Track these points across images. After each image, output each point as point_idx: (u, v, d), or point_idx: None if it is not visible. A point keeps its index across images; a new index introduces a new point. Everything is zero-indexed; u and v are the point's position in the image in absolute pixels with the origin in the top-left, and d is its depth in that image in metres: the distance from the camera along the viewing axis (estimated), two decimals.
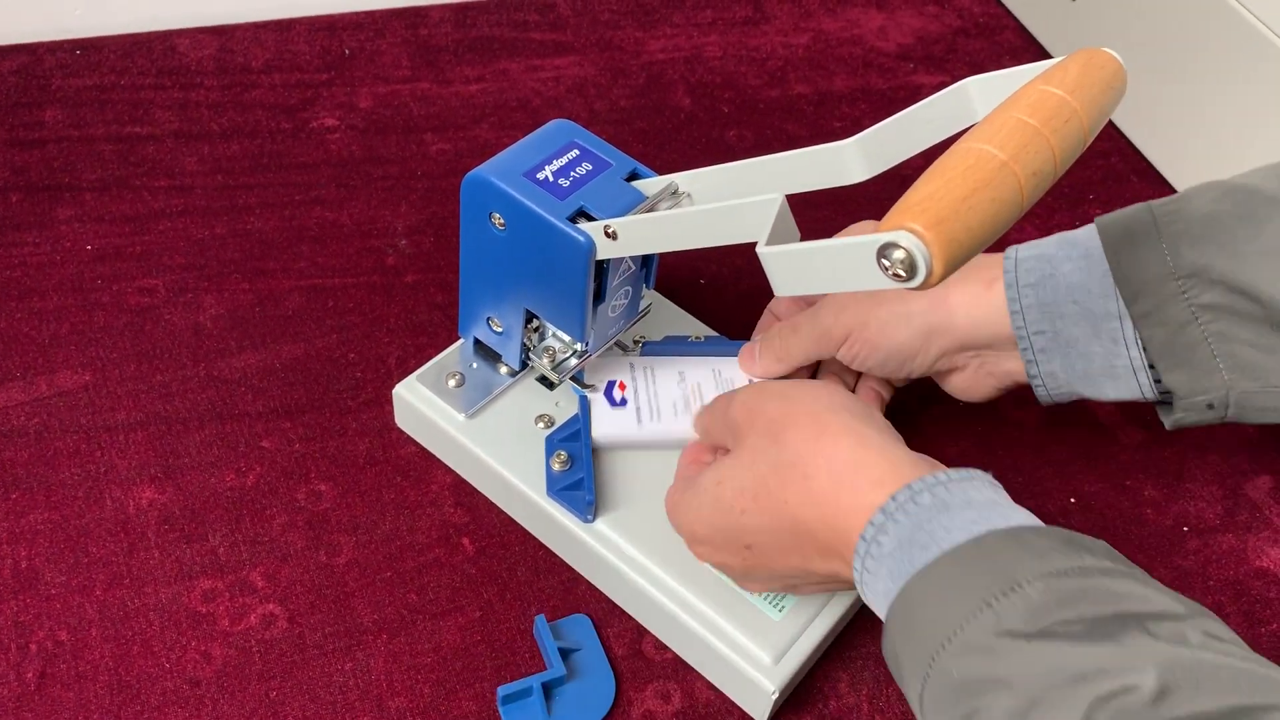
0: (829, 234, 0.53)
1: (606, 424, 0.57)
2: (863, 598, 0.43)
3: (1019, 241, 0.76)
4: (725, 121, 0.83)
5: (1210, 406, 0.51)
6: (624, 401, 0.58)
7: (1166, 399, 0.53)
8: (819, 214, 0.76)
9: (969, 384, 0.58)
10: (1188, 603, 0.36)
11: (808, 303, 0.60)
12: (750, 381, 0.59)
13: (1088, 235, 0.54)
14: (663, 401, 0.58)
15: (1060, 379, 0.55)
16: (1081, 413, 0.68)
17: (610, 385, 0.59)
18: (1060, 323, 0.53)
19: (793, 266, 0.42)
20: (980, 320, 0.54)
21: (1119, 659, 0.33)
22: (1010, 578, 0.36)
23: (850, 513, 0.43)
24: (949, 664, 0.36)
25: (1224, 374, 0.50)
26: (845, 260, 0.39)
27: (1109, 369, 0.53)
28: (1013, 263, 0.54)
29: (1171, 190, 0.82)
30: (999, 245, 0.74)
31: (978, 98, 0.45)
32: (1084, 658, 0.33)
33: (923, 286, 0.37)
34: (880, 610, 0.41)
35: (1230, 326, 0.50)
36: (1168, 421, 0.53)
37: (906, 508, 0.41)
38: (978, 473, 0.42)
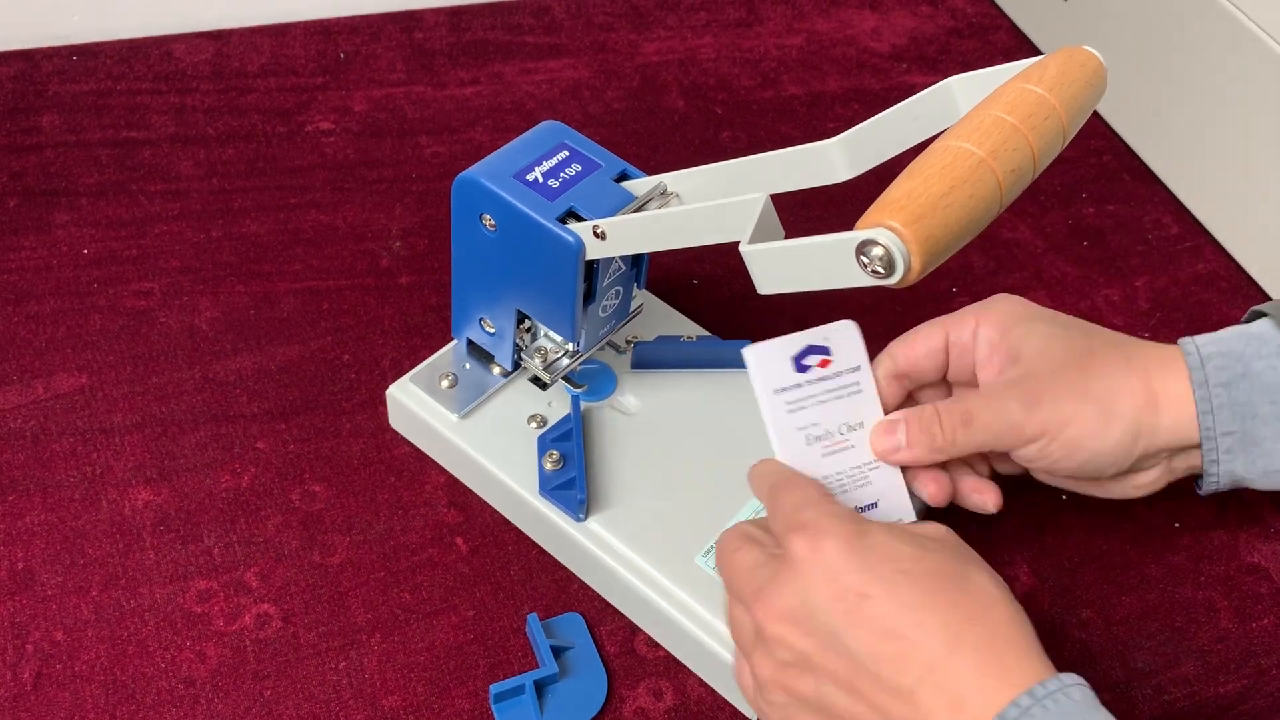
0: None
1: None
2: None
3: (1009, 238, 0.77)
4: (719, 123, 0.84)
5: None
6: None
7: None
8: (812, 213, 0.76)
9: (1148, 484, 0.52)
10: None
11: (949, 367, 0.52)
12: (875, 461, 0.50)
13: (1275, 332, 0.51)
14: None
15: (1237, 475, 0.52)
16: None
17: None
18: (1251, 423, 0.50)
19: (774, 264, 0.42)
20: (1181, 419, 0.50)
21: None
22: None
23: (981, 664, 0.40)
24: None
25: None
26: (824, 258, 0.39)
27: None
28: (1197, 359, 0.50)
29: (1164, 189, 0.83)
30: (981, 244, 0.74)
31: (961, 96, 0.45)
32: None
33: (901, 283, 0.37)
34: None
35: None
36: None
37: (1056, 697, 0.39)
38: None
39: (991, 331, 0.51)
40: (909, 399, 0.53)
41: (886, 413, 0.50)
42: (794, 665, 0.43)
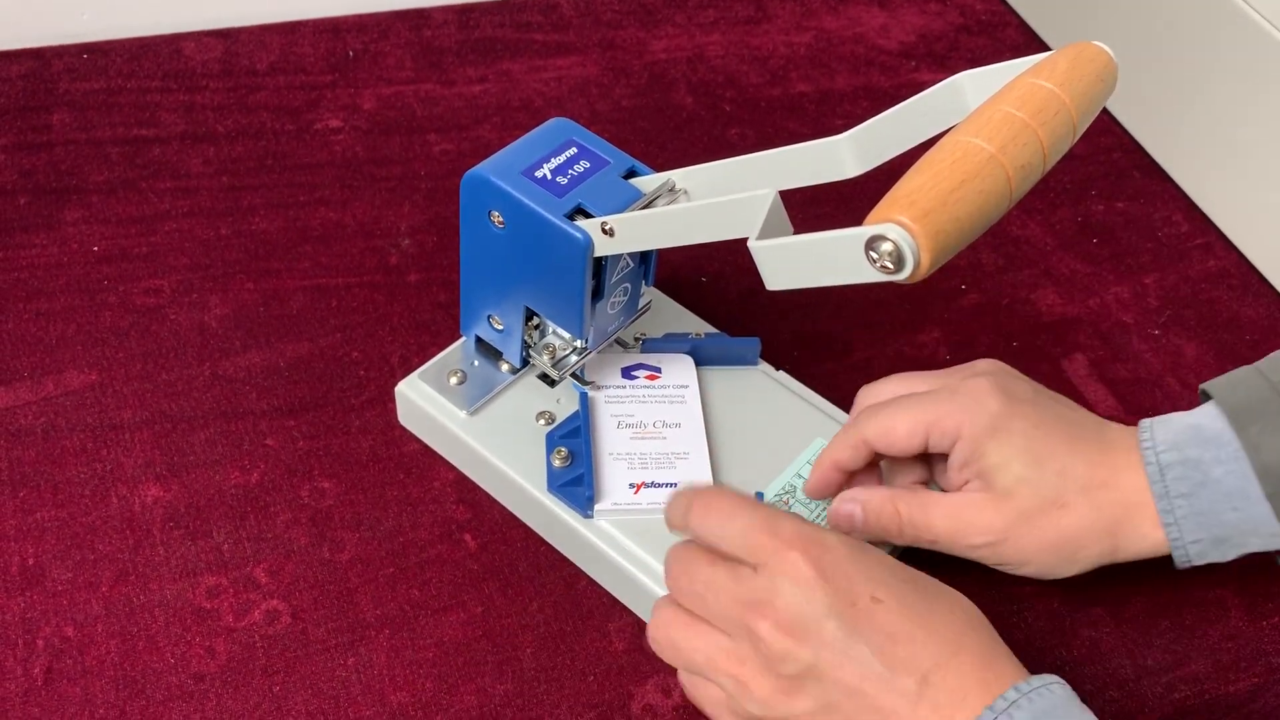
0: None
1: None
2: None
3: (1018, 235, 0.77)
4: (727, 120, 0.84)
5: None
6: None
7: None
8: (821, 210, 0.76)
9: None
10: None
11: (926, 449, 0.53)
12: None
13: (1226, 429, 0.50)
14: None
15: (1204, 560, 0.53)
16: None
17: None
18: (1218, 529, 0.51)
19: (782, 259, 0.42)
20: (1147, 544, 0.52)
21: None
22: None
23: (978, 665, 0.42)
24: None
25: None
26: (833, 253, 0.39)
27: (1256, 548, 0.52)
28: (1156, 469, 0.51)
29: (1173, 186, 0.82)
30: (990, 240, 0.74)
31: (970, 92, 0.45)
32: None
33: (910, 279, 0.37)
34: None
35: None
36: None
37: (1041, 692, 0.42)
38: None
39: (967, 447, 0.51)
40: (874, 457, 0.54)
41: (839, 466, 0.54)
42: (799, 677, 0.43)
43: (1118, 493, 0.51)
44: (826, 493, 0.55)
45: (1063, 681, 0.43)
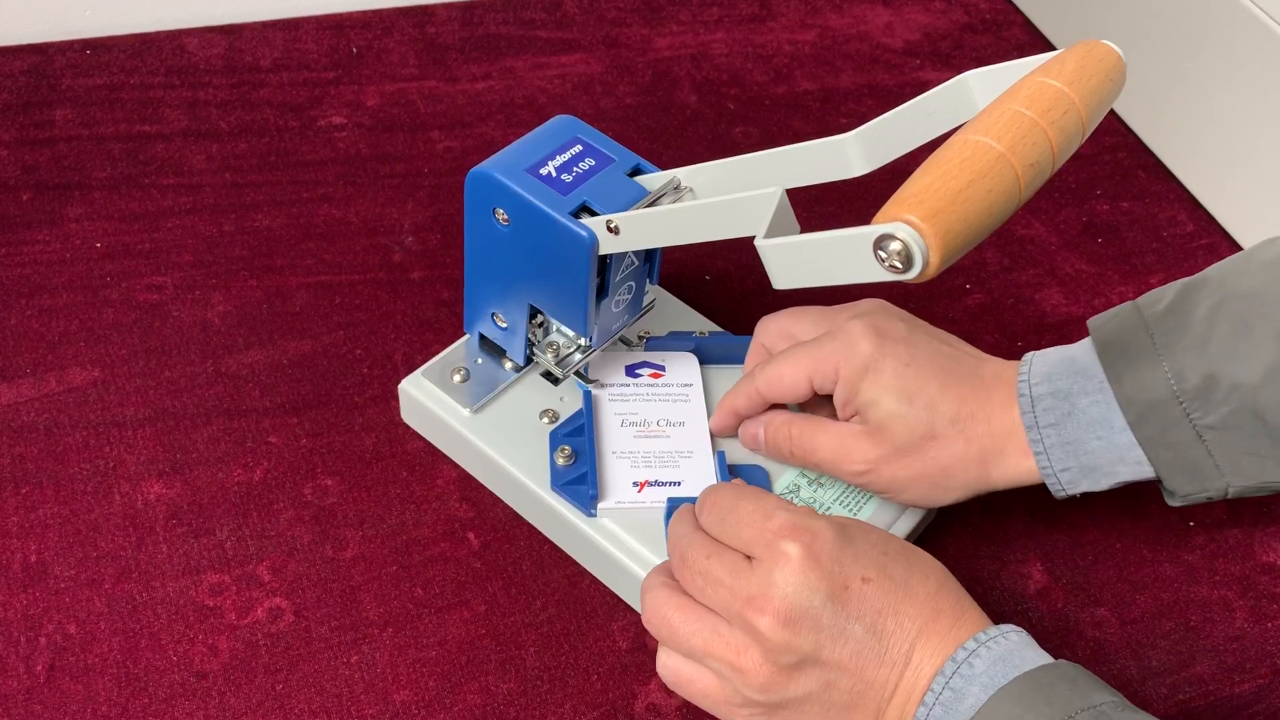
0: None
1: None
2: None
3: (1023, 234, 0.77)
4: (731, 118, 0.83)
5: (1210, 499, 0.53)
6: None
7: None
8: (825, 209, 0.76)
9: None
10: None
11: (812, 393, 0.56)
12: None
13: (1095, 361, 0.53)
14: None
15: (1077, 489, 0.54)
16: None
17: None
18: (1085, 457, 0.53)
19: (790, 258, 0.42)
20: (1019, 472, 0.54)
21: None
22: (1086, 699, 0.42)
23: (952, 623, 0.45)
24: None
25: (1225, 478, 0.52)
26: (841, 252, 0.39)
27: (1126, 478, 0.54)
28: (1029, 400, 0.53)
29: (1179, 186, 0.82)
30: (996, 240, 0.75)
31: (978, 90, 0.45)
32: None
33: (919, 279, 0.37)
34: None
35: (1233, 441, 0.51)
36: (1170, 501, 0.54)
37: (999, 640, 0.44)
38: None
39: (844, 388, 0.54)
40: (768, 404, 0.58)
41: (734, 416, 0.58)
42: (798, 665, 0.44)
43: (988, 424, 0.53)
44: (728, 433, 0.59)
45: (1020, 629, 0.45)
